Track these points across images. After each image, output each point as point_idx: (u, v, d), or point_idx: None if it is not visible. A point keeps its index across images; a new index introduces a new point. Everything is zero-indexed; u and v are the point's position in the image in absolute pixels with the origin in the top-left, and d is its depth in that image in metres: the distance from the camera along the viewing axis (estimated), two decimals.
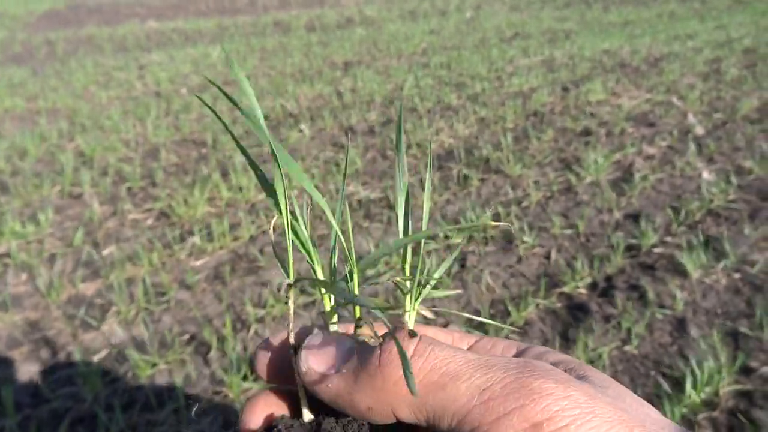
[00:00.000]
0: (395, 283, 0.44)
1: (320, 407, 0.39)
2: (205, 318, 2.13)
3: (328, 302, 0.42)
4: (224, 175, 3.34)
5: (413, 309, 0.44)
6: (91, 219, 2.85)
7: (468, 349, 0.44)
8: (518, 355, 0.42)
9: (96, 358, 1.95)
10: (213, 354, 1.95)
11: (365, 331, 0.41)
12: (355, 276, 0.42)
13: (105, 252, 2.57)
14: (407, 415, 0.34)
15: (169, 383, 1.84)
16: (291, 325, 0.41)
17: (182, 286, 2.33)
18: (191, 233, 2.71)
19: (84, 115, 4.54)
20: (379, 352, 0.35)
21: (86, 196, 3.10)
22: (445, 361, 0.34)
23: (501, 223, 0.37)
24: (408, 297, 0.44)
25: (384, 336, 0.36)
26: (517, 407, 0.31)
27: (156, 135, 4.02)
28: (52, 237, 2.71)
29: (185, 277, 2.36)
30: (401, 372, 0.34)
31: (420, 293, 0.44)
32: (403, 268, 0.45)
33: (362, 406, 0.35)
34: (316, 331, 0.40)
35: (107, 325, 2.10)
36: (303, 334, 0.41)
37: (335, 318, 0.42)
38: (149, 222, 2.85)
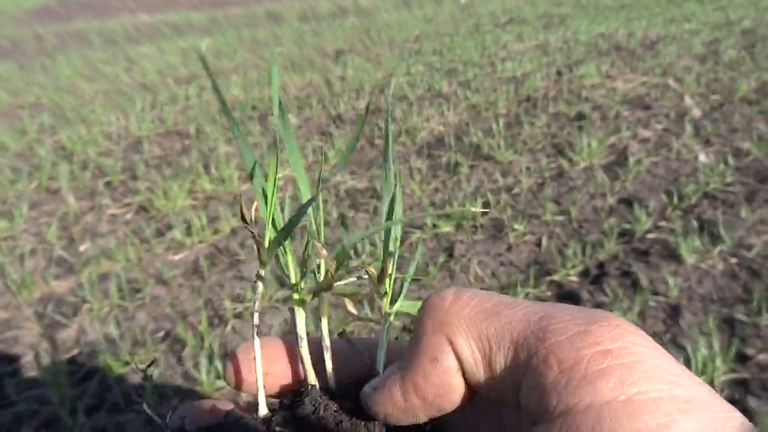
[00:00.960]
0: (370, 282, 0.42)
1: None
2: (180, 314, 2.06)
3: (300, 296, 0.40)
4: (206, 166, 3.25)
5: (392, 312, 0.42)
6: (66, 214, 2.77)
7: None
8: None
9: (66, 358, 1.87)
10: (188, 351, 1.87)
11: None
12: (322, 268, 0.41)
13: (80, 248, 2.49)
14: (464, 348, 0.31)
15: (140, 383, 1.76)
16: (256, 318, 0.39)
17: (159, 282, 2.25)
18: (170, 227, 2.62)
19: (67, 109, 4.44)
20: (423, 304, 0.34)
21: (63, 191, 3.02)
22: (494, 294, 0.33)
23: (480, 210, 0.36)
24: (385, 301, 0.42)
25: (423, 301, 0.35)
26: (582, 331, 0.27)
27: (140, 128, 3.93)
28: (26, 233, 2.63)
29: (162, 272, 2.28)
30: (449, 304, 0.32)
31: (398, 295, 0.43)
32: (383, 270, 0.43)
33: (427, 362, 0.32)
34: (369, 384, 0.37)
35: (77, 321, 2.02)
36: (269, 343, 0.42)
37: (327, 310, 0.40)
38: (128, 216, 2.77)
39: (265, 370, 0.40)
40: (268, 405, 0.38)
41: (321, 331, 0.40)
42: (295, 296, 0.40)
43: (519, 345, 0.29)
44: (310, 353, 0.38)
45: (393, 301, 0.41)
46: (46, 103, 4.73)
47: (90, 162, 3.37)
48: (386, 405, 0.34)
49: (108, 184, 3.12)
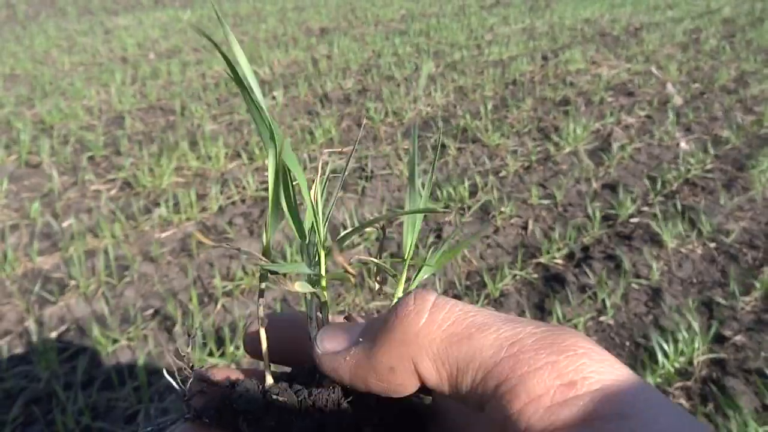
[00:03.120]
0: (377, 266, 0.44)
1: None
2: (169, 292, 2.05)
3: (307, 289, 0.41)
4: (193, 143, 3.20)
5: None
6: (50, 190, 2.71)
7: None
8: None
9: (53, 335, 1.86)
10: (178, 329, 1.87)
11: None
12: (322, 253, 0.41)
13: (64, 224, 2.45)
14: (430, 370, 0.32)
15: (131, 360, 1.76)
16: (261, 307, 0.41)
17: (146, 259, 2.23)
18: (157, 204, 2.59)
19: (45, 81, 4.31)
20: (396, 308, 0.33)
21: (45, 165, 2.95)
22: (469, 313, 0.32)
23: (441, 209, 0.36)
24: (400, 281, 0.43)
25: (399, 300, 0.35)
26: (550, 362, 0.28)
27: (121, 102, 3.84)
28: (7, 208, 2.57)
29: (150, 249, 2.26)
30: (421, 322, 0.32)
31: (414, 276, 0.44)
32: (380, 251, 0.45)
33: (383, 369, 0.33)
34: (328, 324, 0.39)
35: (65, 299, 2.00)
36: (279, 321, 0.43)
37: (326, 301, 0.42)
38: (112, 193, 2.73)
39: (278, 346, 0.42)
40: (276, 375, 0.41)
41: (314, 313, 0.42)
42: (322, 283, 0.41)
43: (488, 372, 0.29)
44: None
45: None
46: (21, 74, 4.58)
47: (71, 136, 3.29)
48: (342, 372, 0.35)
49: (91, 159, 3.05)
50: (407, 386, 0.33)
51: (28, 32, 6.23)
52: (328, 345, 0.36)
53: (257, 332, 0.42)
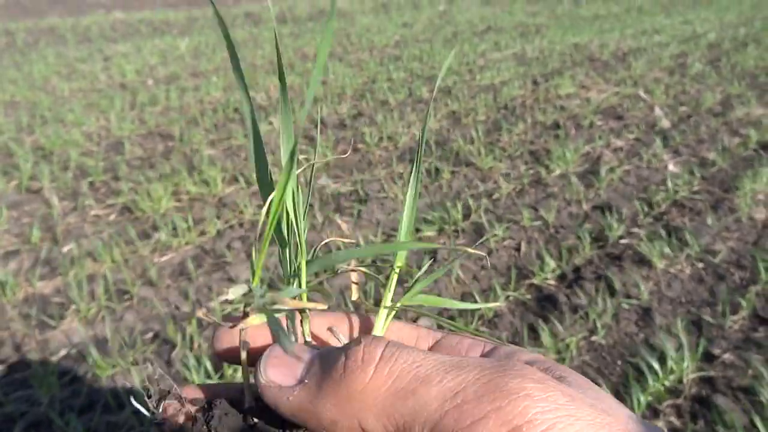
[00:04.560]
0: (365, 274, 0.45)
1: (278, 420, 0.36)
2: (169, 315, 2.08)
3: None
4: (190, 168, 3.26)
5: (391, 307, 0.43)
6: (50, 215, 2.75)
7: (431, 346, 0.43)
8: (486, 355, 0.40)
9: (54, 359, 1.88)
10: (177, 352, 1.90)
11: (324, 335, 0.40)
12: (303, 272, 0.40)
13: (64, 249, 2.48)
14: (375, 427, 0.31)
15: (131, 384, 1.78)
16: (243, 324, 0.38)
17: (146, 283, 2.26)
18: (155, 229, 2.63)
19: (44, 108, 4.38)
20: (343, 358, 0.33)
21: (45, 191, 2.99)
22: (414, 364, 0.32)
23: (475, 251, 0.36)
24: (386, 292, 0.43)
25: (349, 343, 0.34)
26: (493, 409, 0.29)
27: (120, 128, 3.91)
28: (8, 234, 2.60)
29: (149, 273, 2.29)
30: (367, 378, 0.32)
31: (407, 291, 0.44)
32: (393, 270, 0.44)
33: (326, 419, 0.32)
34: (275, 345, 0.38)
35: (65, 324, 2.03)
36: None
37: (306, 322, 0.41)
38: (112, 217, 2.77)
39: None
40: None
41: (297, 330, 0.41)
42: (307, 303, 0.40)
43: (434, 427, 0.29)
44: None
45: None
46: (21, 101, 4.65)
47: (71, 162, 3.34)
48: (283, 409, 0.34)
49: (90, 184, 3.10)
50: None
51: (27, 60, 6.33)
52: (272, 376, 0.35)
53: (230, 350, 0.40)
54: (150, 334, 2.00)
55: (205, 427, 0.35)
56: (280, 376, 0.35)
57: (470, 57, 5.93)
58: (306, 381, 0.34)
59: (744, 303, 2.06)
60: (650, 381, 1.72)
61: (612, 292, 2.17)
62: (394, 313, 0.44)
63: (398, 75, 5.27)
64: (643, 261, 2.36)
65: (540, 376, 0.31)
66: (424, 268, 0.47)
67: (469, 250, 0.38)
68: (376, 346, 0.33)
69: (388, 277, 0.46)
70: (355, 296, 0.46)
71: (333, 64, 5.72)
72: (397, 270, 0.44)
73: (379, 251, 0.38)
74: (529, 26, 7.80)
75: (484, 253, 0.47)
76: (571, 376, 0.35)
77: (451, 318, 2.01)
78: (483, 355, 0.40)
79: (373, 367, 0.32)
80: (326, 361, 0.34)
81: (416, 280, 0.46)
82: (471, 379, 0.30)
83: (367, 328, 0.45)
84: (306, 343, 0.41)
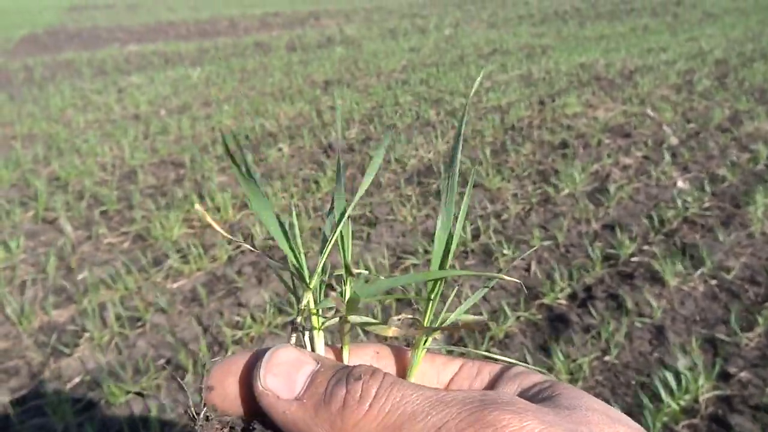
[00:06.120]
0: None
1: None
2: (180, 341, 2.09)
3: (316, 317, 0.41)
4: (201, 195, 3.31)
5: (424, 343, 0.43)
6: (64, 244, 2.80)
7: (453, 377, 0.44)
8: (494, 378, 0.41)
9: (68, 387, 1.89)
10: (189, 378, 1.91)
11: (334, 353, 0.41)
12: (347, 288, 0.41)
13: (79, 277, 2.52)
14: None
15: (144, 410, 1.79)
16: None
17: (158, 310, 2.28)
18: (167, 255, 2.67)
19: (60, 140, 4.49)
20: (344, 391, 0.34)
21: (60, 220, 3.05)
22: (403, 400, 0.34)
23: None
24: (425, 319, 0.43)
25: (353, 370, 0.35)
26: None
27: (133, 157, 3.99)
28: (24, 263, 2.65)
29: (161, 300, 2.31)
30: (362, 415, 0.33)
31: (435, 325, 0.43)
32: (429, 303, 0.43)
33: None
34: (281, 345, 0.38)
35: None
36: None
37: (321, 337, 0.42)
38: (125, 245, 2.81)
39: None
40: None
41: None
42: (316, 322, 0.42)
43: None
44: None
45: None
46: (38, 133, 4.77)
47: (85, 192, 3.41)
48: (277, 419, 0.36)
49: (104, 213, 3.16)
50: None
51: (44, 93, 6.50)
52: (271, 384, 0.36)
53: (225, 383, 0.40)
54: (162, 361, 2.01)
55: None
56: (278, 386, 0.36)
57: (476, 79, 5.99)
58: (305, 400, 0.35)
59: (760, 320, 2.03)
60: (665, 400, 1.69)
61: (624, 310, 2.15)
62: (428, 341, 0.44)
63: (405, 99, 5.34)
64: (655, 279, 2.34)
65: (519, 407, 0.33)
66: (453, 293, 0.47)
67: (506, 277, 0.39)
68: (374, 382, 0.35)
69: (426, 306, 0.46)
70: (391, 334, 0.46)
71: (341, 89, 5.81)
72: (434, 298, 0.44)
73: (423, 278, 0.40)
74: (534, 47, 7.88)
75: (518, 280, 0.48)
76: (565, 393, 0.36)
77: (460, 340, 2.01)
78: (492, 379, 0.41)
79: (368, 404, 0.34)
80: (326, 388, 0.35)
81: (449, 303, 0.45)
82: (453, 414, 0.32)
83: (400, 357, 0.46)
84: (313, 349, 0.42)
